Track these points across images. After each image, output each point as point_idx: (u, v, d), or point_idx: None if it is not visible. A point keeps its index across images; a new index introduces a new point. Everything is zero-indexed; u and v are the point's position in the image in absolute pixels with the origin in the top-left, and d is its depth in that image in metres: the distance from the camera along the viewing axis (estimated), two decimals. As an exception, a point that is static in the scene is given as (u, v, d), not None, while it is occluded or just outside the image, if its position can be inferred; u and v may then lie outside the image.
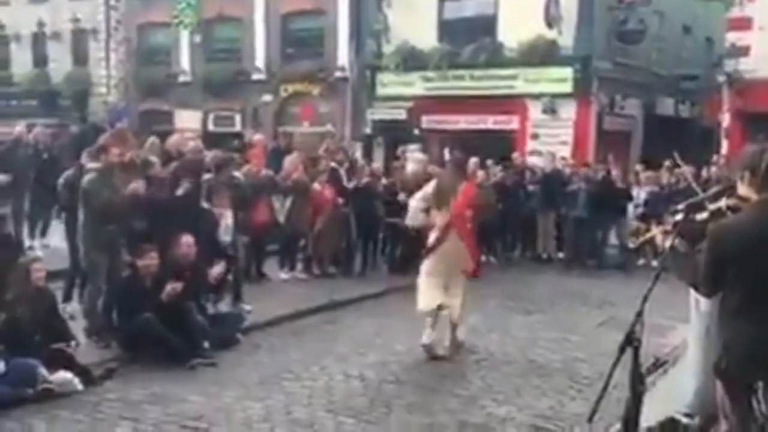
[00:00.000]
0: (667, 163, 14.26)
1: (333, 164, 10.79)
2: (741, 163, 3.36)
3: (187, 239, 7.15)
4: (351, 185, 10.78)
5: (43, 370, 5.55)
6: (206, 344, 6.75)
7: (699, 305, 4.98)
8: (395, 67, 20.44)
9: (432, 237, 7.10)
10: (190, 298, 6.97)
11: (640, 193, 12.46)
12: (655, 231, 3.70)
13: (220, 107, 23.59)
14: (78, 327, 6.69)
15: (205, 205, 8.21)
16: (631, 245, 4.55)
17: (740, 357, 3.12)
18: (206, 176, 8.56)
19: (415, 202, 7.38)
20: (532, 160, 15.81)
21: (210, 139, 16.19)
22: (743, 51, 16.83)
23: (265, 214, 9.86)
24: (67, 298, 7.53)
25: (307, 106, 22.27)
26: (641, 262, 12.82)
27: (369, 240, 11.33)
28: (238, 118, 23.48)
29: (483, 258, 10.11)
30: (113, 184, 6.87)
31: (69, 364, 5.81)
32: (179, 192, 7.54)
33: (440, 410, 5.47)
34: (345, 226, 10.83)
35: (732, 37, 17.17)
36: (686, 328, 8.33)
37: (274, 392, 5.79)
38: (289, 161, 10.51)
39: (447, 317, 7.03)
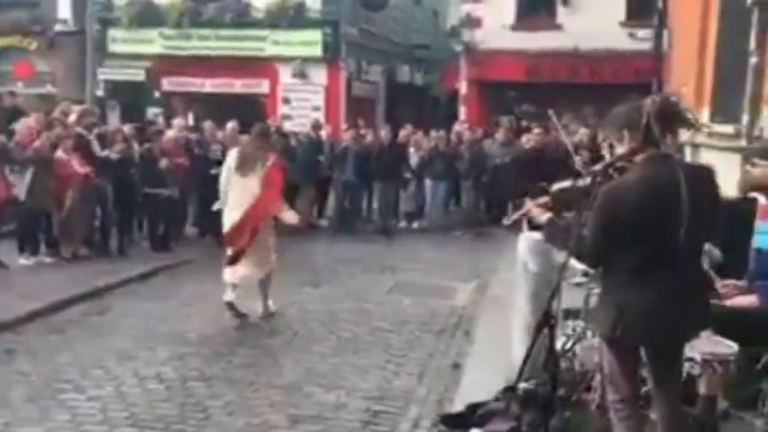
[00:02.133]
0: (408, 127, 14.58)
1: (80, 130, 9.28)
2: (616, 124, 3.23)
3: None
4: (104, 154, 9.37)
5: None
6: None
7: (528, 266, 4.96)
8: (129, 22, 18.55)
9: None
10: None
11: (412, 158, 12.69)
12: (530, 204, 3.45)
13: None
14: None
15: None
16: (505, 222, 4.36)
17: (636, 322, 2.99)
18: None
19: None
20: (288, 126, 15.43)
21: None
22: (476, 22, 17.98)
23: (-1, 189, 8.17)
24: None
25: (22, 63, 19.30)
26: (402, 224, 13.18)
27: (125, 214, 10.03)
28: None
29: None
30: None
31: None
32: None
33: (264, 406, 4.85)
34: (99, 200, 9.44)
35: (466, 8, 18.22)
36: (467, 289, 8.75)
37: (54, 410, 4.69)
38: (24, 126, 8.81)
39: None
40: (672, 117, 3.03)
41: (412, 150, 12.82)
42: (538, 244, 4.98)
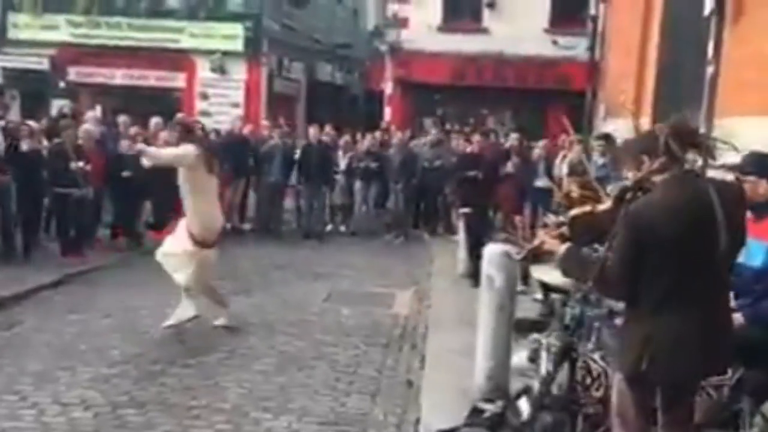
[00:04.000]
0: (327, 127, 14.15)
1: (-17, 121, 8.39)
2: (632, 151, 3.02)
3: None
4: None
5: None
6: None
7: (493, 281, 4.69)
8: (32, 7, 17.30)
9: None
10: None
11: (341, 160, 12.28)
12: (544, 236, 3.13)
13: None
14: None
15: None
16: (516, 256, 4.07)
17: (665, 356, 2.73)
18: None
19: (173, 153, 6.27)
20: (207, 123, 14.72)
21: None
22: (403, 23, 17.77)
23: None
24: None
25: None
26: (329, 228, 12.77)
27: (31, 215, 9.17)
28: None
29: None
30: None
31: None
32: None
33: (208, 435, 4.38)
34: (1, 199, 8.57)
35: (393, 8, 17.98)
36: (405, 296, 8.46)
37: (-39, 447, 4.06)
38: None
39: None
40: (687, 135, 2.85)
41: (340, 152, 12.43)
42: (502, 258, 4.75)
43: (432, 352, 6.02)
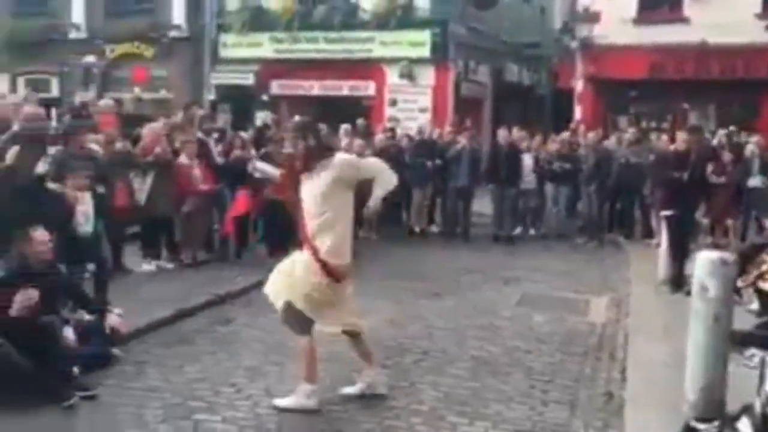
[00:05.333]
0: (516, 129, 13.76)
1: (201, 135, 9.26)
2: None
3: (41, 235, 5.51)
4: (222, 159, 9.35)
5: None
6: (76, 369, 5.24)
7: (707, 290, 4.35)
8: (241, 27, 18.79)
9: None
10: (50, 310, 5.40)
11: (526, 159, 12.08)
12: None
13: (31, 69, 20.54)
14: None
15: (52, 186, 6.55)
16: (740, 284, 3.84)
17: None
18: (53, 149, 6.91)
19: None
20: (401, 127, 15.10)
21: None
22: (595, 17, 17.09)
23: (124, 195, 8.20)
24: None
25: (139, 69, 19.94)
26: (518, 231, 12.56)
27: (242, 219, 9.97)
28: (54, 81, 20.66)
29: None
30: None
31: None
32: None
33: (406, 436, 4.48)
34: (216, 205, 9.41)
35: (584, 2, 17.36)
36: (600, 303, 8.11)
37: (187, 432, 4.48)
38: (150, 131, 8.84)
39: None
40: None
41: (529, 154, 12.20)
42: (718, 265, 4.38)
43: (634, 363, 5.72)
